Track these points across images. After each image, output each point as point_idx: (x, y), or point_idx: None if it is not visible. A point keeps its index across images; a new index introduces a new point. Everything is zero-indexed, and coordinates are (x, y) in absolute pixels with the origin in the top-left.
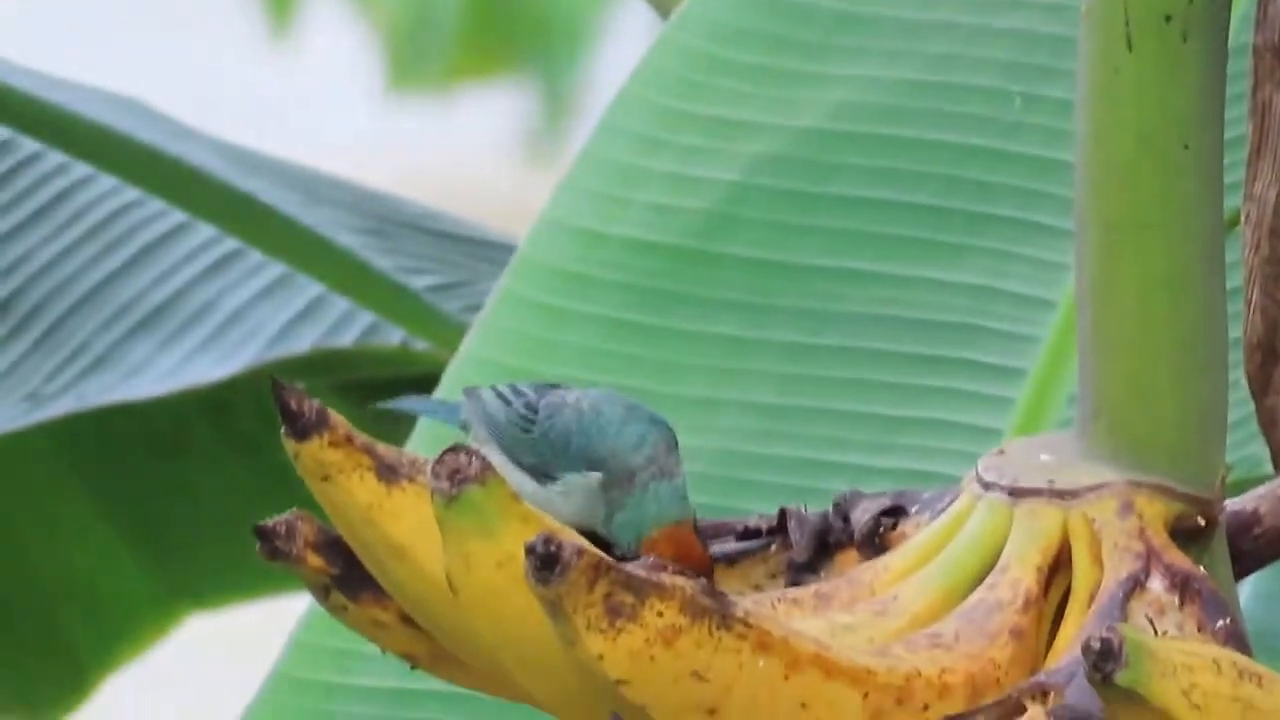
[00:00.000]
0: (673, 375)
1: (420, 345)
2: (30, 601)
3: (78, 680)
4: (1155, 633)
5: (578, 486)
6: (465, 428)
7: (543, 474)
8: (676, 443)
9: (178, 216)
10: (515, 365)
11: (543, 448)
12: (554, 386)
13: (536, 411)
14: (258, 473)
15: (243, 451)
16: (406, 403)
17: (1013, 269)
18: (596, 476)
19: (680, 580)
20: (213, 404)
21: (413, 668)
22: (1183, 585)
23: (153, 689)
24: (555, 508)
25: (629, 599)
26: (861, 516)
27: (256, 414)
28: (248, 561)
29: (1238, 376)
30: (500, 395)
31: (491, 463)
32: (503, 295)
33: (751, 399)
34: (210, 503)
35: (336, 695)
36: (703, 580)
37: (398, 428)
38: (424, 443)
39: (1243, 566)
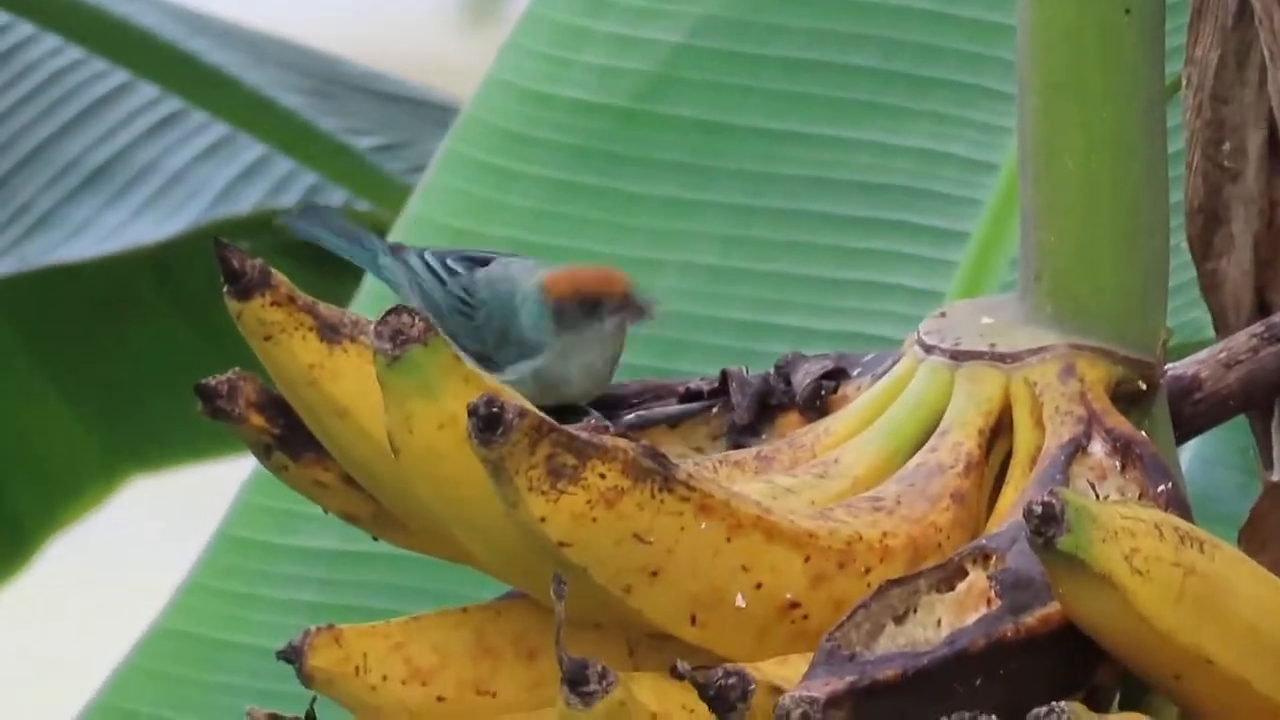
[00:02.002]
0: (616, 236)
1: (363, 205)
2: None
3: (20, 541)
4: (1097, 497)
5: (528, 370)
6: (388, 282)
7: (487, 360)
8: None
9: (120, 76)
10: (460, 226)
11: (486, 334)
12: (483, 262)
13: (473, 295)
14: (201, 334)
15: (185, 312)
16: (326, 230)
17: (955, 132)
18: (526, 365)
19: (623, 442)
20: (156, 265)
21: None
22: (1124, 449)
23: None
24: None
25: (571, 460)
26: (803, 379)
27: (199, 275)
28: (191, 422)
29: (1179, 241)
30: (432, 270)
31: (434, 324)
32: (447, 156)
33: (693, 260)
34: (153, 363)
35: (281, 556)
36: (645, 443)
37: (341, 288)
38: (368, 304)
39: (1184, 431)
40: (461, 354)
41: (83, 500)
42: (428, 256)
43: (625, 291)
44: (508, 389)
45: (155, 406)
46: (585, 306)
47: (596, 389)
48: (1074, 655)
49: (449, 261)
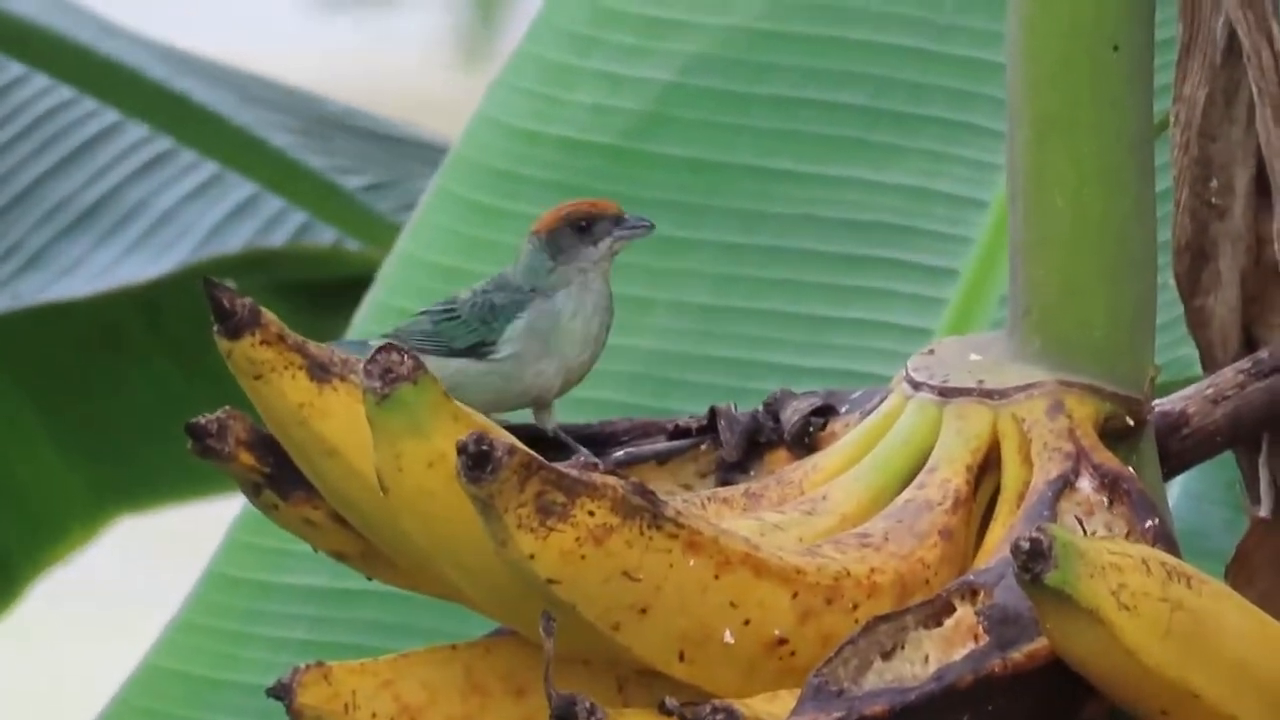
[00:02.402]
0: None
1: (353, 245)
2: None
3: (7, 579)
4: (1084, 533)
5: (524, 324)
6: None
7: (482, 348)
8: None
9: (110, 116)
10: (449, 264)
11: (474, 323)
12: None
13: (454, 302)
14: (190, 373)
15: (175, 352)
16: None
17: (945, 170)
18: (534, 305)
19: (612, 480)
20: (145, 304)
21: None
22: (1112, 485)
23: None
24: (507, 370)
25: (560, 498)
26: (791, 416)
27: (188, 315)
28: (179, 463)
29: (1166, 278)
30: (415, 319)
31: (424, 362)
32: (437, 194)
33: (685, 299)
34: (142, 403)
35: (271, 594)
36: (634, 480)
37: (331, 327)
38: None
39: (1171, 467)
40: (450, 398)
41: (69, 539)
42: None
43: (617, 211)
44: (497, 427)
45: (143, 446)
46: (578, 229)
47: (590, 349)
48: (1061, 690)
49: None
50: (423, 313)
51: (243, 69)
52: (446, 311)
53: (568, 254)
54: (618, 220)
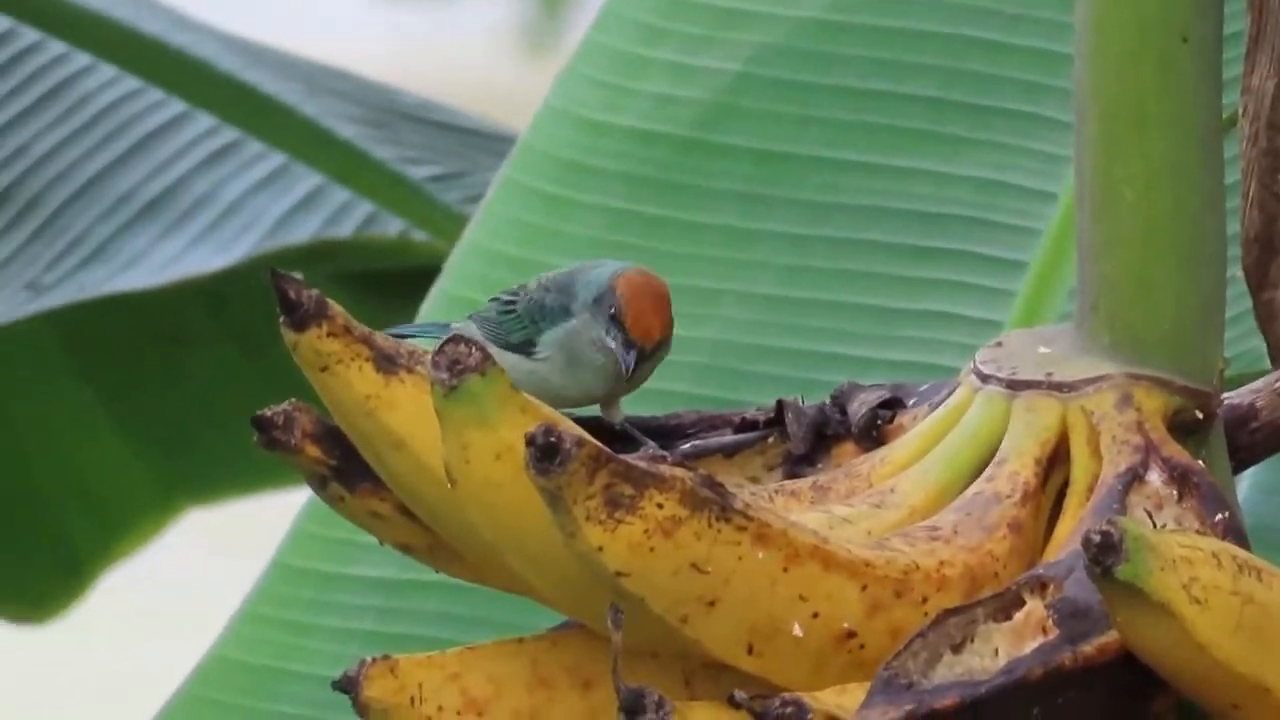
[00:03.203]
0: (673, 266)
1: (420, 236)
2: (27, 494)
3: (75, 574)
4: (1154, 526)
5: (558, 336)
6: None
7: (529, 346)
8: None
9: (177, 106)
10: (517, 255)
11: (525, 320)
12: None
13: (516, 294)
14: (256, 365)
15: (240, 344)
16: (409, 329)
17: (1014, 162)
18: (570, 324)
19: (680, 472)
20: (211, 296)
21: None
22: (1181, 479)
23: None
24: (543, 373)
25: (629, 490)
26: (859, 409)
27: (254, 306)
28: (245, 455)
29: (1235, 271)
30: (486, 307)
31: (491, 354)
32: (504, 184)
33: (751, 290)
34: (207, 395)
35: (336, 585)
36: (702, 472)
37: (398, 318)
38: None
39: (1240, 460)
40: (517, 390)
41: (137, 532)
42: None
43: (657, 340)
44: (564, 419)
45: (210, 438)
46: (622, 332)
47: (608, 384)
48: (1131, 684)
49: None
50: (493, 300)
51: (311, 59)
52: (509, 303)
53: (601, 328)
54: (649, 348)
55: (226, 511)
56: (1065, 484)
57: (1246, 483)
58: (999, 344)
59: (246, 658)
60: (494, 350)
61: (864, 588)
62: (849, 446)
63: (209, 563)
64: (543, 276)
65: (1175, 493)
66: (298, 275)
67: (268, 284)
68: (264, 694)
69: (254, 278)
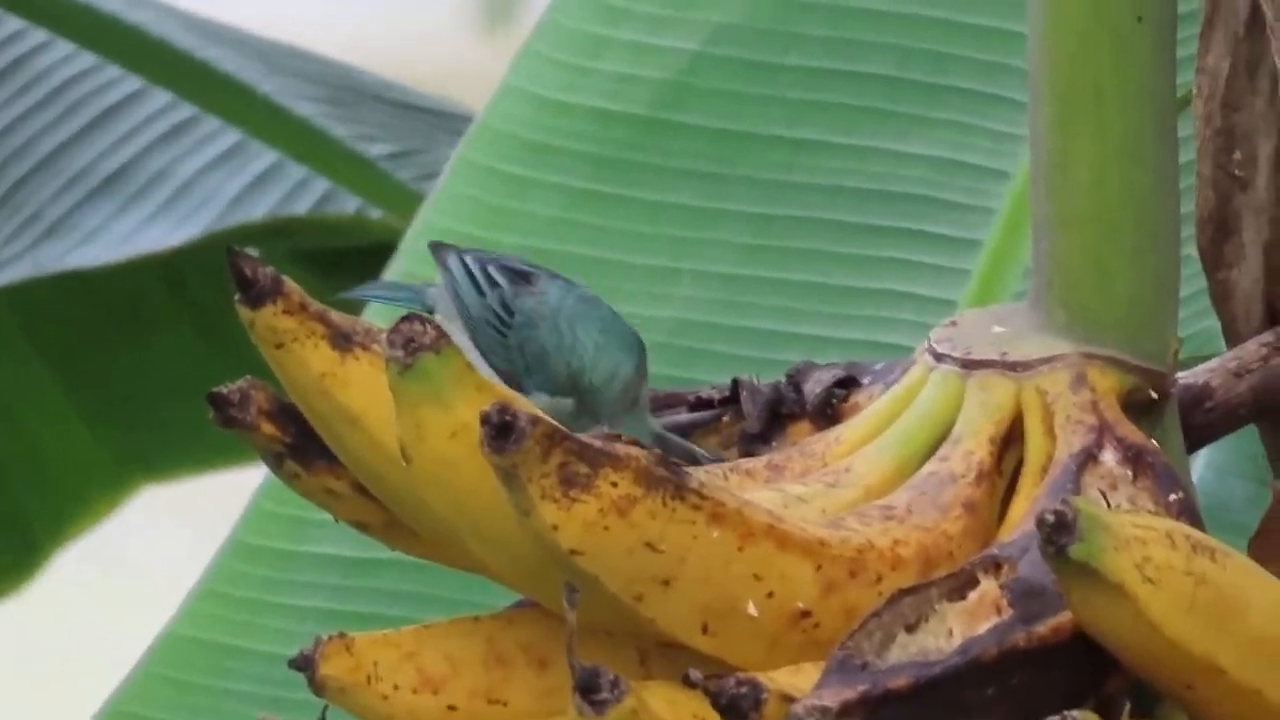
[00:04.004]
0: (632, 245)
1: (375, 213)
2: None
3: (29, 550)
4: (1108, 506)
5: (549, 407)
6: (432, 312)
7: (513, 382)
8: (645, 365)
9: (134, 83)
10: (474, 235)
11: (516, 358)
12: (526, 276)
13: (513, 315)
14: (212, 342)
15: (196, 320)
16: (372, 289)
17: (970, 141)
18: (569, 403)
19: (635, 450)
20: (167, 273)
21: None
22: (1135, 458)
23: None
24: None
25: (584, 469)
26: (814, 387)
27: (211, 282)
28: (201, 431)
29: (1189, 251)
30: (473, 278)
31: (448, 333)
32: (461, 163)
33: (710, 269)
34: (163, 372)
35: (291, 563)
36: (657, 451)
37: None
38: (380, 313)
39: (1194, 440)
40: (488, 372)
41: (92, 509)
42: (469, 260)
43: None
44: (520, 397)
45: (166, 414)
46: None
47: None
48: (1085, 664)
49: (491, 270)
50: (477, 278)
51: (269, 38)
52: (499, 319)
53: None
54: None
55: (185, 487)
56: (1020, 464)
57: (1201, 462)
58: (953, 323)
59: (202, 635)
60: (465, 343)
61: (819, 567)
62: (804, 425)
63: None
64: (526, 311)
65: (1129, 472)
66: (254, 252)
67: (224, 261)
68: (219, 672)
69: (211, 254)
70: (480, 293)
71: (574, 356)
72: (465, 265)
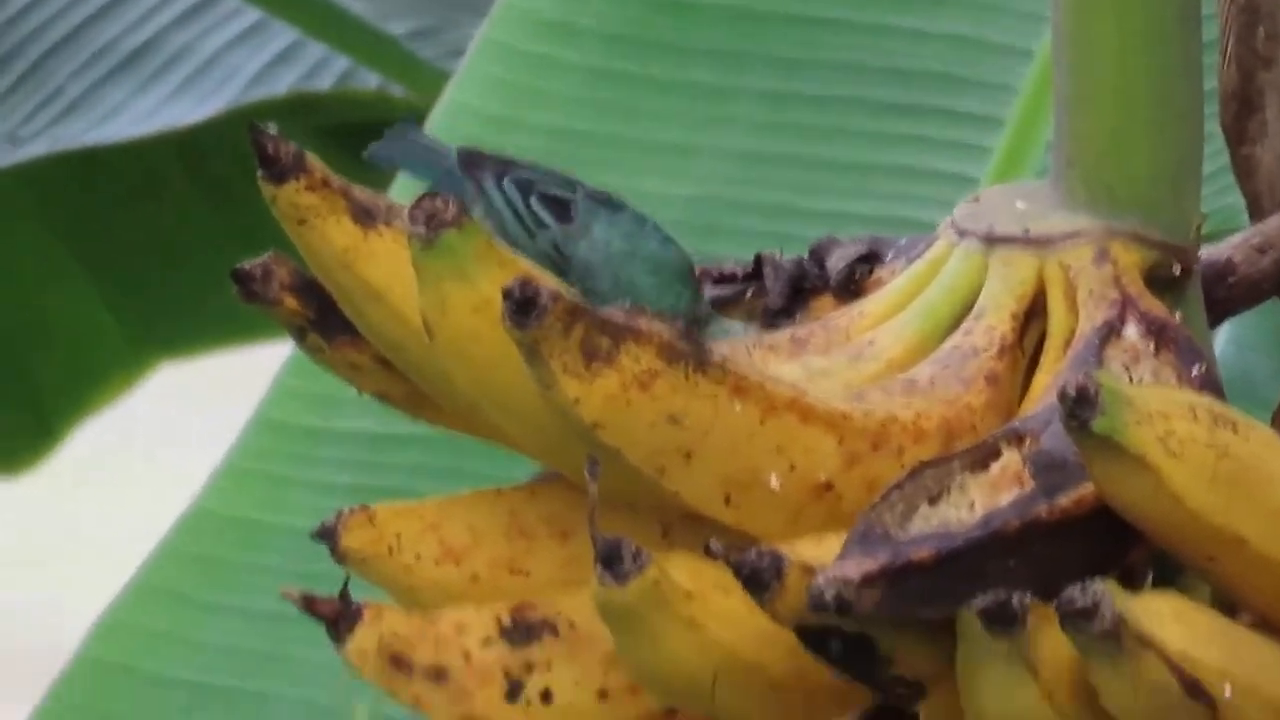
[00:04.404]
0: (651, 122)
1: (397, 90)
2: None
3: (46, 427)
4: (1131, 379)
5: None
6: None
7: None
8: (700, 288)
9: None
10: (498, 113)
11: (542, 261)
12: (565, 205)
13: (570, 261)
14: (230, 219)
15: (216, 198)
16: (399, 148)
17: (991, 19)
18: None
19: (657, 324)
20: (187, 150)
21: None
22: (1158, 332)
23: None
24: None
25: (605, 342)
26: (837, 263)
27: (231, 160)
28: (218, 309)
29: (1213, 128)
30: (517, 214)
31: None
32: (485, 42)
33: (728, 145)
34: (182, 249)
35: (317, 439)
36: (679, 324)
37: (377, 172)
38: (404, 190)
39: (1217, 315)
40: (495, 244)
41: (109, 385)
42: (509, 189)
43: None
44: (543, 273)
45: (184, 292)
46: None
47: None
48: (1107, 536)
49: (534, 205)
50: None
51: None
52: (553, 262)
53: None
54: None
55: (210, 364)
56: (1042, 338)
57: (1223, 336)
58: (976, 199)
59: (229, 511)
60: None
61: (841, 440)
62: (827, 300)
63: (193, 415)
64: (584, 248)
65: (1152, 346)
66: (275, 128)
67: (245, 138)
68: (247, 545)
69: (230, 131)
70: (530, 233)
71: (633, 298)
72: (506, 197)
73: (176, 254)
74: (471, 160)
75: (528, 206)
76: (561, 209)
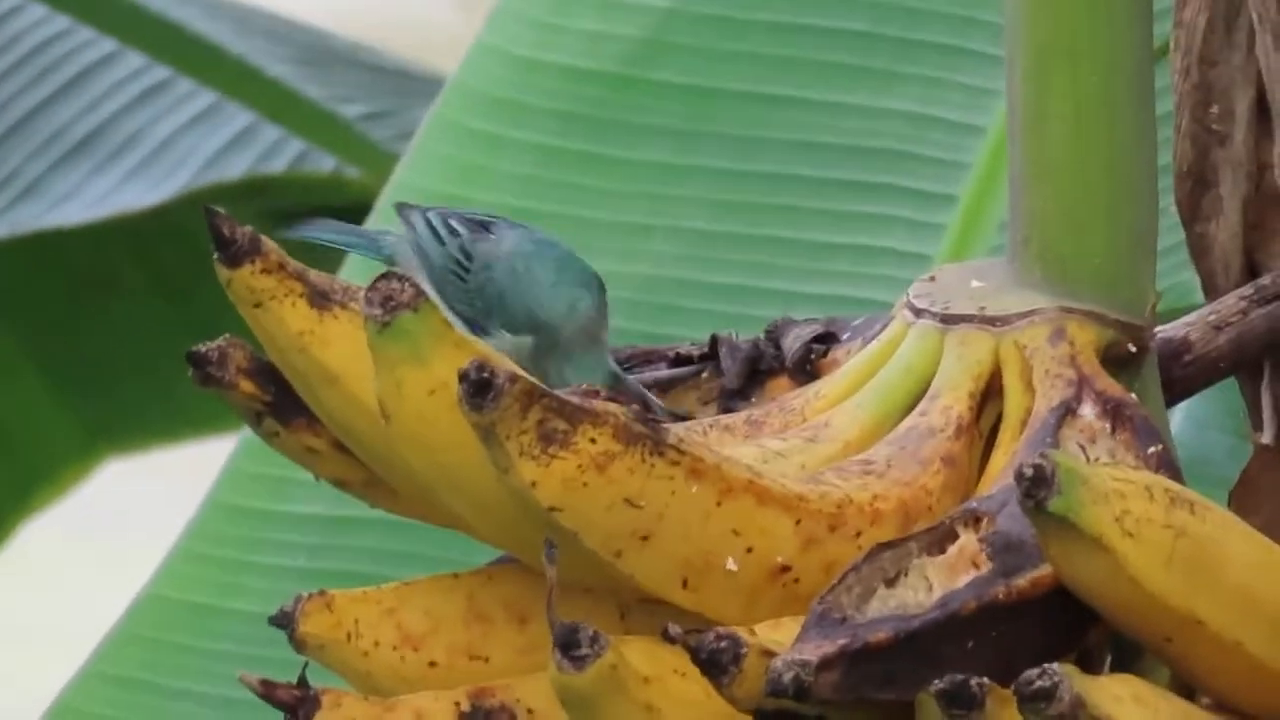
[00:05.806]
0: (606, 202)
1: (351, 172)
2: None
3: None
4: (1087, 459)
5: (510, 345)
6: (390, 261)
7: (475, 325)
8: (605, 302)
9: (108, 45)
10: (449, 192)
11: (476, 300)
12: (486, 225)
13: (471, 259)
14: (180, 311)
15: (166, 290)
16: (326, 231)
17: (943, 95)
18: (528, 340)
19: (613, 407)
20: (137, 242)
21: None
22: (1114, 412)
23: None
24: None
25: (562, 425)
26: (793, 343)
27: (182, 248)
28: (168, 402)
29: (1167, 204)
30: (433, 229)
31: (425, 290)
32: (436, 122)
33: (683, 225)
34: (131, 342)
35: (272, 522)
36: (636, 407)
37: (330, 256)
38: (357, 272)
39: (1174, 393)
40: (453, 319)
41: (58, 481)
42: (431, 215)
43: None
44: (499, 354)
45: (134, 385)
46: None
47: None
48: (1065, 617)
49: (451, 222)
50: (439, 225)
51: (242, 2)
52: (459, 265)
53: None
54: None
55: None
56: (999, 418)
57: (1180, 415)
58: (932, 278)
59: (183, 596)
60: (431, 294)
61: (798, 522)
62: (783, 381)
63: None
64: (483, 254)
65: (1108, 426)
66: (229, 212)
67: (197, 225)
68: (202, 631)
69: (182, 219)
70: (441, 242)
71: (530, 294)
72: (428, 220)
73: (126, 346)
74: (404, 205)
75: (445, 223)
76: (479, 225)
